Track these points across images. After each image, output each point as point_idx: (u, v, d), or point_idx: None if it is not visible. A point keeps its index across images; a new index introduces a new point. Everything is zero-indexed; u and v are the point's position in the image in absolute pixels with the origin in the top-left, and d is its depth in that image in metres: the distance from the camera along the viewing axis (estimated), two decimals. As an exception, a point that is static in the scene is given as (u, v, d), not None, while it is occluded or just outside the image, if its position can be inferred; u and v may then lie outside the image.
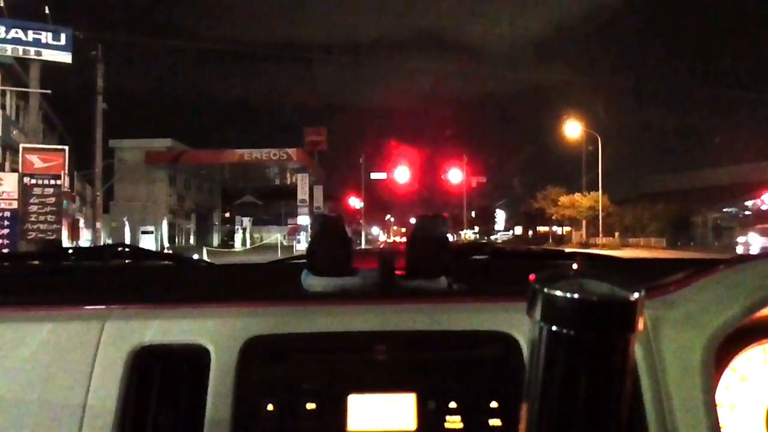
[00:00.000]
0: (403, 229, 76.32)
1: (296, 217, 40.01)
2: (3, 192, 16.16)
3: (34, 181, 16.72)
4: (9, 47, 18.99)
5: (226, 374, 0.84)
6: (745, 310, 0.85)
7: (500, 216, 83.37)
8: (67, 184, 18.41)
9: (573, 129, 40.58)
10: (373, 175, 45.32)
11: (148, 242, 31.62)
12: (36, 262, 1.58)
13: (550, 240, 52.39)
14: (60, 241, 17.28)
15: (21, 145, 18.03)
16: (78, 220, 26.75)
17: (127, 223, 29.76)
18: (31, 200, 16.54)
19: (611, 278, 0.48)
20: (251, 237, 42.62)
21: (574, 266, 0.51)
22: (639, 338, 0.79)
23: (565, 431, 0.47)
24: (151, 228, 34.21)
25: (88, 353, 0.85)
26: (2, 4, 19.38)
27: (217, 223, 51.14)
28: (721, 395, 0.89)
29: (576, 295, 0.46)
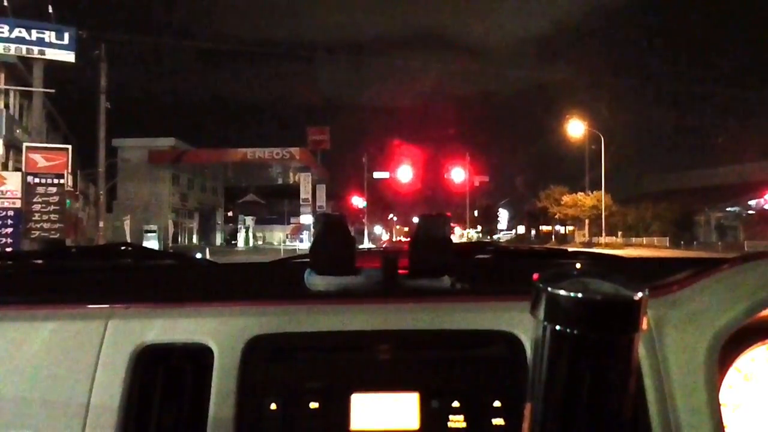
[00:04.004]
0: (406, 229, 76.29)
1: (299, 216, 39.99)
2: (6, 191, 16.19)
3: (37, 180, 16.75)
4: (13, 46, 19.05)
5: (229, 373, 0.84)
6: (748, 310, 0.84)
7: (503, 215, 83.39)
8: (70, 183, 18.44)
9: (576, 128, 40.55)
10: (376, 175, 45.25)
11: (151, 241, 31.65)
12: (39, 262, 1.58)
13: (553, 239, 52.32)
14: (63, 241, 17.29)
15: (24, 144, 18.05)
16: (81, 220, 26.76)
17: (129, 222, 29.79)
18: (35, 199, 16.58)
19: (615, 278, 0.48)
20: (254, 236, 42.60)
21: (578, 266, 0.51)
22: (642, 338, 0.79)
23: (569, 430, 0.47)
24: (154, 227, 34.22)
25: (91, 352, 0.85)
26: (6, 4, 19.44)
27: (220, 222, 51.10)
28: (725, 395, 0.89)
29: (579, 295, 0.46)
